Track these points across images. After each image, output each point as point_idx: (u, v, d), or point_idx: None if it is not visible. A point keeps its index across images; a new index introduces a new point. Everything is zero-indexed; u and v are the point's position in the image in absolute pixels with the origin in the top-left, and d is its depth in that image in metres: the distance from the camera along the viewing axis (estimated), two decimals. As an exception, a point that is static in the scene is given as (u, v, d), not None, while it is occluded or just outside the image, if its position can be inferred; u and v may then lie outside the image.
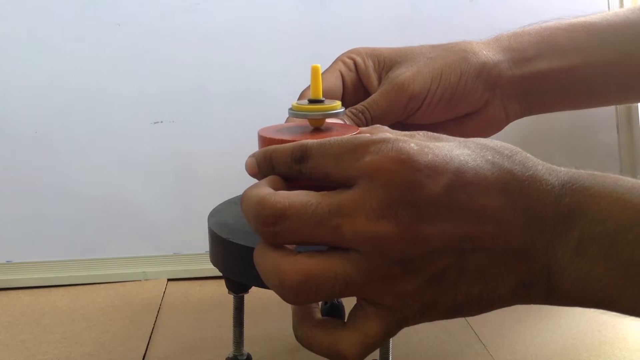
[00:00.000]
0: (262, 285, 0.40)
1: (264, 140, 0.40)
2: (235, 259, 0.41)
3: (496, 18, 0.71)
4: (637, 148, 0.73)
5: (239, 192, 0.51)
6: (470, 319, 0.57)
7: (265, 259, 0.33)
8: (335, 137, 0.33)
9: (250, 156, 0.37)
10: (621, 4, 0.73)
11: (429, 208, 0.30)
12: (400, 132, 0.35)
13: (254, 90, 0.69)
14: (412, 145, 0.31)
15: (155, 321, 0.59)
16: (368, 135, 0.33)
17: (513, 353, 0.52)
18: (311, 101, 0.43)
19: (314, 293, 0.31)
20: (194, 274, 0.68)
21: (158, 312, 0.61)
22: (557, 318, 0.58)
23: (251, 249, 0.40)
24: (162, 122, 0.69)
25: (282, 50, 0.69)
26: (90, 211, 0.68)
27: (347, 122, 0.49)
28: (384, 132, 0.35)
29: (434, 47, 0.51)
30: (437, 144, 0.32)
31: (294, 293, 0.31)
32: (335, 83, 0.51)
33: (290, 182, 0.35)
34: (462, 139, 0.34)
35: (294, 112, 0.44)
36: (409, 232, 0.30)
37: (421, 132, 0.35)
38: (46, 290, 0.66)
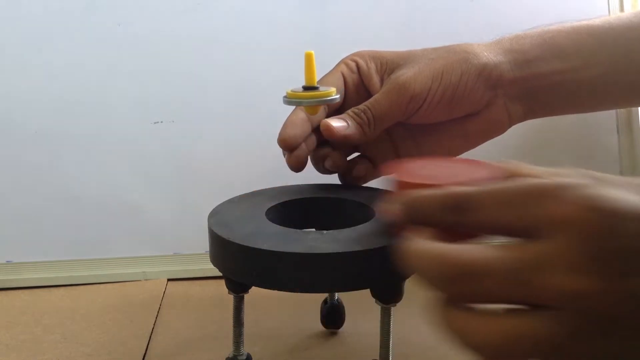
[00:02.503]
0: (262, 285, 0.41)
1: (408, 185, 0.36)
2: (235, 259, 0.41)
3: (496, 18, 0.71)
4: (637, 150, 0.73)
5: (239, 192, 0.51)
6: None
7: (456, 321, 0.30)
8: (506, 183, 0.31)
9: (391, 202, 0.34)
10: (621, 3, 0.73)
11: (634, 259, 0.28)
12: (567, 173, 0.32)
13: (254, 90, 0.69)
14: (602, 190, 0.28)
15: (155, 321, 0.59)
16: (543, 179, 0.30)
17: (513, 353, 0.52)
18: (306, 88, 0.43)
19: (515, 356, 0.29)
20: (194, 274, 0.68)
21: (158, 312, 0.61)
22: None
23: (251, 249, 0.40)
24: (162, 122, 0.69)
25: (282, 50, 0.69)
26: (90, 211, 0.68)
27: (349, 122, 0.49)
28: (531, 169, 0.33)
29: (435, 49, 0.51)
30: (621, 189, 0.29)
31: (495, 356, 0.29)
32: (337, 84, 0.51)
33: (443, 232, 0.32)
34: (628, 179, 0.32)
35: (289, 100, 0.44)
36: (615, 287, 0.28)
37: (586, 173, 0.32)
38: (46, 290, 0.66)
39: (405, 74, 0.49)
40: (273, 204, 0.48)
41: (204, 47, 0.69)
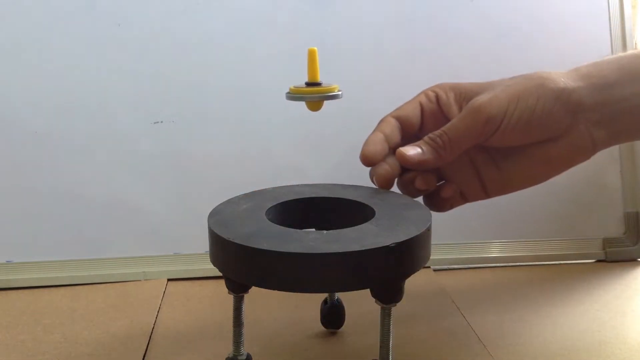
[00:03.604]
0: (262, 285, 0.41)
1: None
2: (235, 259, 0.41)
3: (496, 18, 0.71)
4: (637, 150, 0.73)
5: (239, 192, 0.51)
6: (470, 319, 0.57)
7: None
8: None
9: None
10: (621, 5, 0.73)
11: None
12: None
13: (254, 90, 0.70)
14: None
15: (155, 321, 0.59)
16: None
17: (513, 353, 0.52)
18: (308, 84, 0.43)
19: None
20: (194, 274, 0.68)
21: (158, 312, 0.61)
22: (557, 318, 0.58)
23: (251, 249, 0.40)
24: (162, 122, 0.69)
25: (282, 50, 0.69)
26: (90, 211, 0.68)
27: (424, 149, 0.50)
28: None
29: (513, 77, 0.53)
30: None
31: None
32: (414, 111, 0.54)
33: None
34: None
35: (292, 95, 0.44)
36: None
37: None
38: (46, 290, 0.66)
39: (481, 98, 0.50)
40: (273, 204, 0.48)
41: (204, 47, 0.69)
